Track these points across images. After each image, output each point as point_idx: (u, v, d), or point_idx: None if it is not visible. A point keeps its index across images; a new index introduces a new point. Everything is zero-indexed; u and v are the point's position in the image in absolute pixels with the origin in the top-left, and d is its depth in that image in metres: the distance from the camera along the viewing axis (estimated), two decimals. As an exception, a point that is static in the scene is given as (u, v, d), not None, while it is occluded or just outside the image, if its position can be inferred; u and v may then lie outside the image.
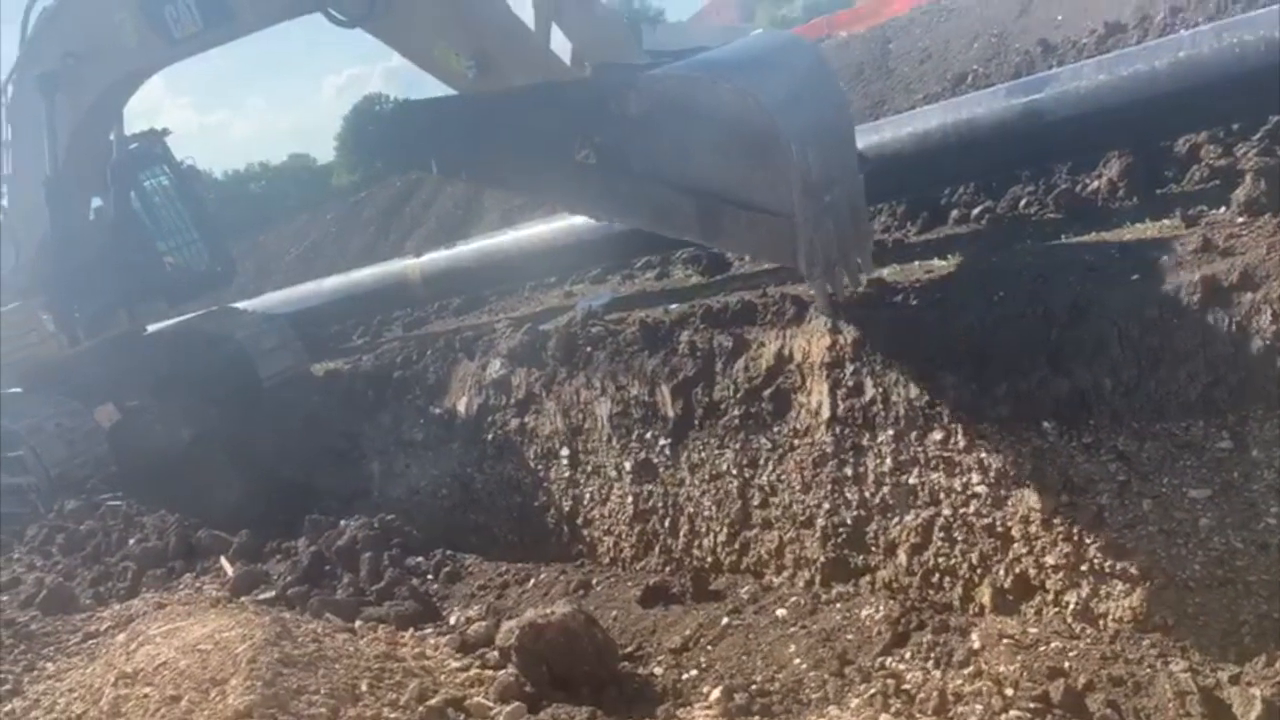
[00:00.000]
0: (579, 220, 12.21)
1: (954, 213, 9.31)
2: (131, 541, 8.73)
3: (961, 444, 6.49)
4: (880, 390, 6.86)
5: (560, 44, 7.83)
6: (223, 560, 7.53)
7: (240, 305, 14.32)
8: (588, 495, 8.85)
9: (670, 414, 8.19)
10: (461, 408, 10.43)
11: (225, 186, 50.95)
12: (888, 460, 6.81)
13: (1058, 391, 6.17)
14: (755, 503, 7.49)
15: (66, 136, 11.07)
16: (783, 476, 7.29)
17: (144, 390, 12.67)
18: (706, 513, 7.79)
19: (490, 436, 10.00)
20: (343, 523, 7.31)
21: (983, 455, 6.41)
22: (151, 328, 13.61)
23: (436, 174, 7.83)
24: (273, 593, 6.54)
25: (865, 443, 6.91)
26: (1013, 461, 6.29)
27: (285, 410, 11.98)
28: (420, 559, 6.53)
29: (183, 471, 10.76)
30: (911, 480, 6.70)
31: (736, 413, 7.66)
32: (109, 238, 12.24)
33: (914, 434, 6.71)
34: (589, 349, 9.26)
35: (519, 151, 7.20)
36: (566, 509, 9.03)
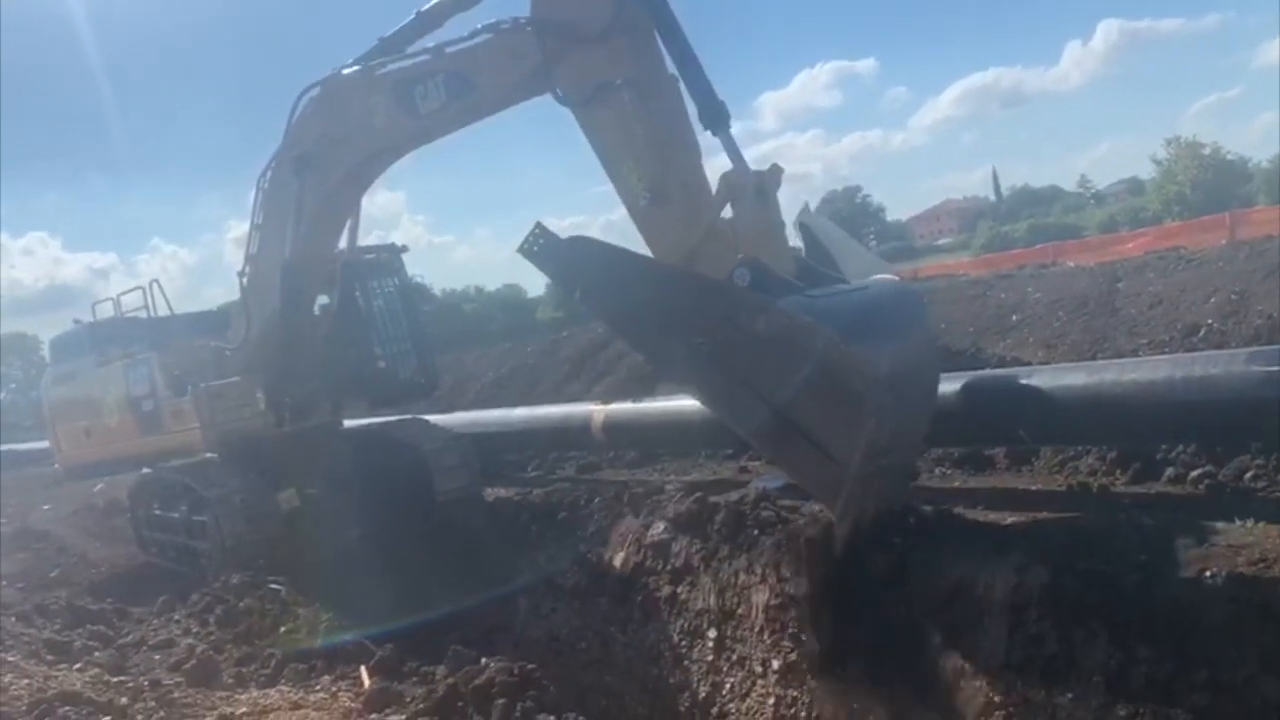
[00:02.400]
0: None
1: (1169, 470, 8.74)
2: (282, 630, 8.95)
3: (1149, 727, 5.88)
4: (1064, 646, 6.35)
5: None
6: (362, 670, 7.58)
7: (432, 419, 14.87)
8: (728, 686, 8.49)
9: (831, 620, 7.83)
10: (617, 562, 10.33)
11: (441, 302, 54.10)
12: (1061, 726, 6.23)
13: (1267, 694, 5.55)
14: (902, 738, 6.98)
15: (310, 216, 11.87)
16: (941, 715, 6.77)
17: (326, 483, 13.21)
18: (848, 735, 7.31)
19: (639, 599, 9.82)
20: (484, 660, 7.25)
21: (1172, 745, 5.78)
22: (346, 424, 14.29)
23: (578, 300, 8.32)
24: (403, 716, 6.49)
25: (1039, 700, 6.36)
26: (1205, 761, 5.64)
27: (451, 528, 12.22)
28: (552, 718, 6.37)
29: (345, 568, 11.03)
30: (1085, 755, 6.09)
31: (901, 635, 7.24)
32: (332, 331, 13.05)
33: (1096, 703, 6.14)
34: (756, 531, 9.05)
35: (648, 315, 7.78)
36: (703, 695, 8.67)
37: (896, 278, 8.84)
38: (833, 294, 7.47)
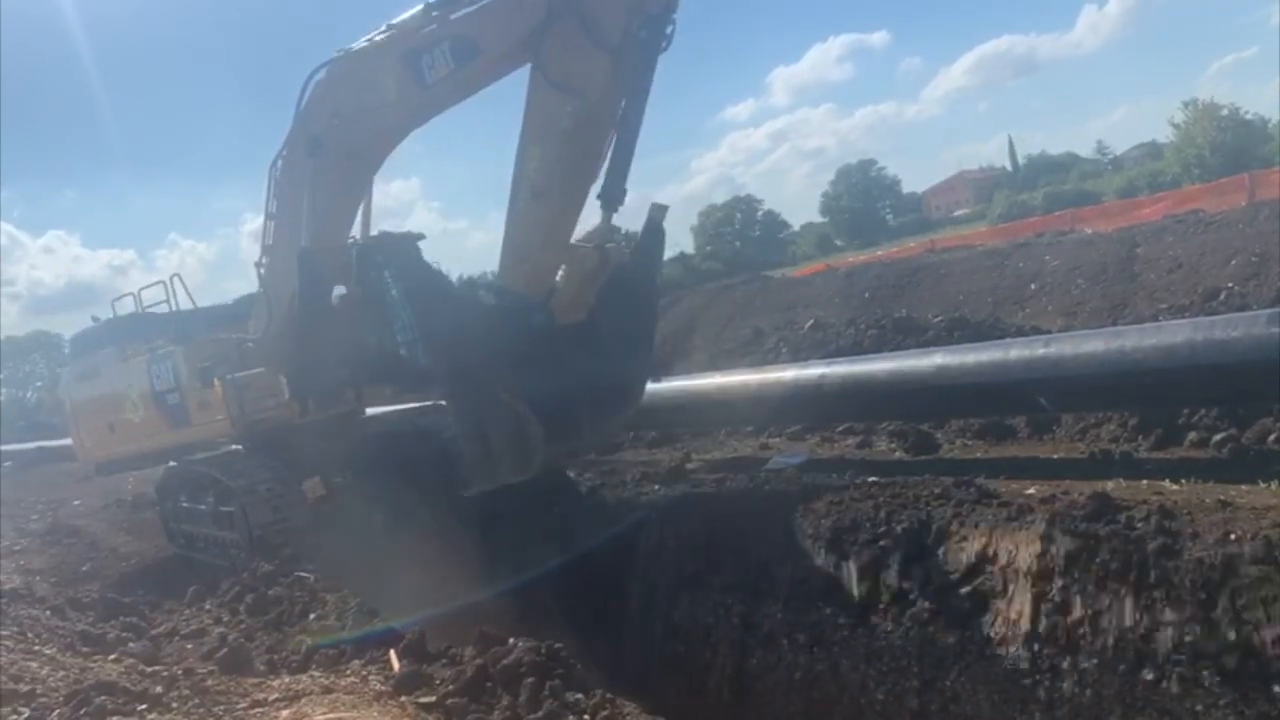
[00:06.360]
0: (787, 374, 12.22)
1: (1191, 434, 8.71)
2: (312, 616, 9.05)
3: (1176, 691, 5.89)
4: (1090, 612, 6.36)
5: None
6: (391, 654, 7.67)
7: (452, 404, 14.86)
8: (754, 660, 8.52)
9: (854, 592, 7.85)
10: (641, 541, 10.36)
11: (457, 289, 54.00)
12: (1088, 691, 6.24)
13: (1297, 655, 5.53)
14: (933, 706, 6.99)
15: (325, 199, 11.80)
16: (967, 685, 6.79)
17: (351, 471, 13.27)
18: (878, 707, 7.33)
19: (663, 577, 9.84)
20: (511, 641, 7.32)
21: (1199, 709, 5.77)
22: (369, 412, 14.35)
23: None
24: (433, 698, 6.58)
25: (1065, 667, 6.37)
26: (1234, 723, 5.64)
27: (475, 512, 12.25)
28: (580, 696, 6.42)
29: (371, 555, 11.11)
30: (1113, 720, 6.10)
31: (927, 605, 7.25)
32: (353, 319, 13.04)
33: (1122, 668, 6.14)
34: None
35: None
36: (729, 670, 8.71)
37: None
38: (572, 372, 9.53)
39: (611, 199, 9.48)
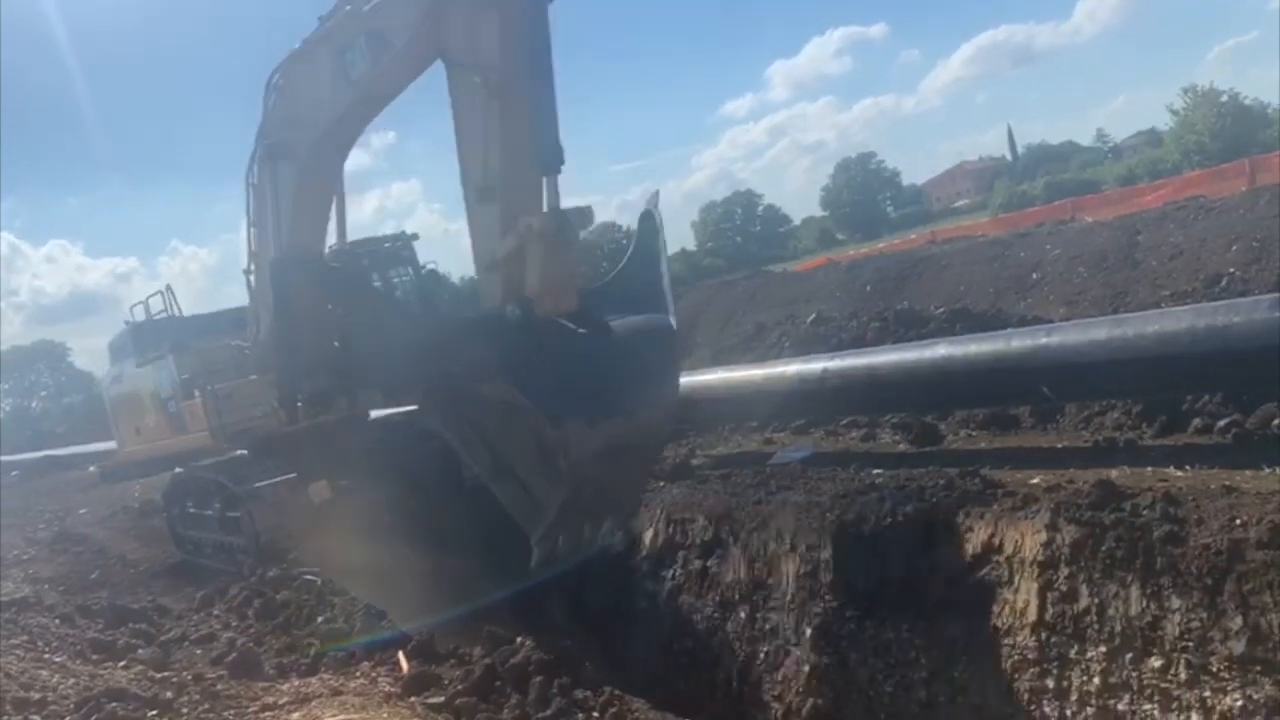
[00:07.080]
0: (790, 369, 12.23)
1: (1196, 421, 8.70)
2: (320, 619, 9.07)
3: (1183, 677, 5.89)
4: (1096, 600, 6.36)
5: None
6: (400, 655, 7.69)
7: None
8: (761, 655, 8.54)
9: (861, 586, 7.87)
10: (647, 539, 10.39)
11: (459, 290, 54.09)
12: (1096, 680, 6.25)
13: (1304, 639, 5.53)
14: (941, 697, 7.01)
15: (290, 206, 11.51)
16: (976, 675, 6.80)
17: (355, 474, 13.25)
18: (886, 699, 7.34)
19: (670, 574, 9.87)
20: (519, 640, 7.35)
21: (1207, 695, 5.78)
22: (374, 414, 14.33)
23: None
24: (442, 698, 6.61)
25: (1073, 655, 6.38)
26: (1242, 709, 5.64)
27: (480, 513, 12.27)
28: (589, 694, 6.45)
29: (379, 556, 11.13)
30: (1121, 707, 6.11)
31: (934, 596, 7.26)
32: (332, 327, 12.98)
33: (1129, 655, 6.15)
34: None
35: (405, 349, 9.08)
36: (737, 666, 8.73)
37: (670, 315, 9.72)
38: (576, 358, 8.39)
39: (548, 162, 8.62)
